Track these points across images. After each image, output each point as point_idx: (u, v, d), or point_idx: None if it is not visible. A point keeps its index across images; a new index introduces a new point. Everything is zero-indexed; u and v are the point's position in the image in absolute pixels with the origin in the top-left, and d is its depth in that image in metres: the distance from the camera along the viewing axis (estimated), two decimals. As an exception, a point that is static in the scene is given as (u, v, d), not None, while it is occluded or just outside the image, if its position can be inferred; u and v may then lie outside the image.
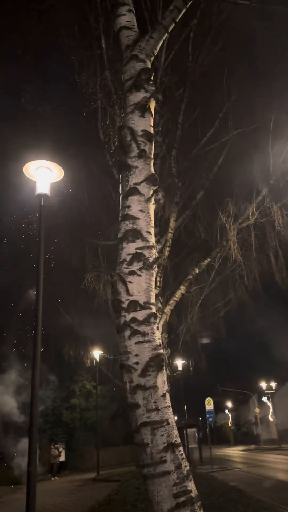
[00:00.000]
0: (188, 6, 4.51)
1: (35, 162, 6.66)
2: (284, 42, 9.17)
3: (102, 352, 23.01)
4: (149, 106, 4.20)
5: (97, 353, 22.88)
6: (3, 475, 20.29)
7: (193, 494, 3.11)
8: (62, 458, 24.35)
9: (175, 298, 11.99)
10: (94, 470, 23.19)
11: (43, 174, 6.70)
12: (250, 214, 11.41)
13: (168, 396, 3.34)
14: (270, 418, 50.10)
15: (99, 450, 23.36)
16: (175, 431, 3.26)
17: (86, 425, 29.19)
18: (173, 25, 4.62)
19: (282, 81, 9.31)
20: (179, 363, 23.74)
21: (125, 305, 3.48)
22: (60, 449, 24.13)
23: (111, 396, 31.53)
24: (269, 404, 51.06)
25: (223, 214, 11.36)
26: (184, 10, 4.52)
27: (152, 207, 3.93)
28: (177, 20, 4.65)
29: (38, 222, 6.57)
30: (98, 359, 22.99)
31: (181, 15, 4.64)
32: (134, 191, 3.87)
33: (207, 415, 24.83)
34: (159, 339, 3.47)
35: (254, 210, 11.37)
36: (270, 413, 50.30)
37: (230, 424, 67.15)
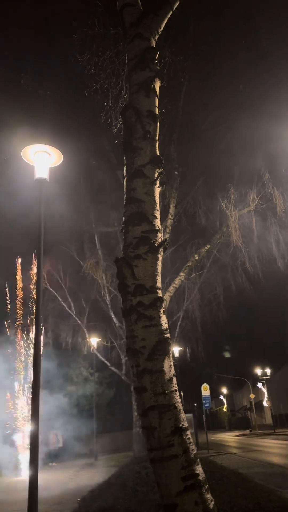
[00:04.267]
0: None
1: (34, 146, 6.51)
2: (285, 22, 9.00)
3: (99, 339, 23.07)
4: (154, 86, 4.09)
5: (94, 340, 22.93)
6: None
7: (201, 478, 3.10)
8: (60, 444, 24.60)
9: (174, 285, 11.97)
10: (92, 455, 23.45)
11: (42, 159, 6.55)
12: (251, 199, 11.33)
13: (175, 380, 3.32)
14: (265, 404, 50.77)
15: (97, 436, 23.60)
16: (182, 415, 3.25)
17: (83, 412, 29.44)
18: (178, 2, 4.49)
19: (285, 62, 9.14)
20: (176, 350, 23.87)
21: (131, 289, 3.43)
22: (58, 436, 24.36)
23: (108, 383, 31.77)
24: (264, 390, 51.68)
25: (224, 199, 11.27)
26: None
27: (157, 190, 3.85)
28: (182, -3, 4.52)
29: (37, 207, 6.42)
30: (95, 346, 23.05)
31: (186, -8, 4.51)
32: (139, 173, 3.78)
33: (204, 401, 25.03)
34: (165, 323, 3.43)
35: (255, 196, 11.29)
36: (265, 399, 50.97)
37: (225, 410, 68.09)
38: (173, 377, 3.30)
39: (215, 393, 62.57)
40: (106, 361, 21.81)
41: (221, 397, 70.07)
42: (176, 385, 3.29)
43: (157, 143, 3.92)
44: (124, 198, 3.80)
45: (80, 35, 8.27)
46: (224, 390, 69.04)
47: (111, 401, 32.64)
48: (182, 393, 35.99)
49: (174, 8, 4.47)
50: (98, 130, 11.45)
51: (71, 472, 17.81)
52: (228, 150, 11.71)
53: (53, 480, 14.64)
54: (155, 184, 3.80)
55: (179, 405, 3.24)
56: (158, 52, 4.18)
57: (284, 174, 11.04)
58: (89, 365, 29.29)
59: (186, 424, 3.23)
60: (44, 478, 14.61)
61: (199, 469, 3.13)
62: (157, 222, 3.68)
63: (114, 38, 8.10)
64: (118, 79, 8.42)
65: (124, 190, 3.82)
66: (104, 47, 8.18)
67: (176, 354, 23.87)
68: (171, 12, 4.43)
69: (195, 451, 3.19)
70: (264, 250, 13.24)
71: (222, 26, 9.74)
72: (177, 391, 3.30)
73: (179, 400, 3.27)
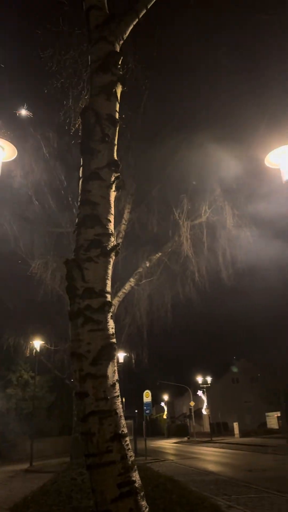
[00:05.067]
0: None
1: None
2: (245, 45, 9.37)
3: (43, 342, 22.49)
4: (115, 90, 4.09)
5: (37, 343, 22.30)
6: None
7: (137, 484, 3.10)
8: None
9: (124, 290, 11.99)
10: (27, 461, 22.73)
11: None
12: (203, 211, 11.65)
13: (117, 386, 3.30)
14: (204, 412, 51.82)
15: (34, 441, 22.93)
16: (123, 422, 3.23)
17: (21, 415, 28.54)
18: (145, 11, 4.54)
19: (242, 81, 9.50)
20: (121, 355, 23.81)
21: (80, 292, 3.38)
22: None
23: (50, 386, 31.07)
24: (204, 398, 52.69)
25: (177, 209, 11.50)
26: (157, -3, 4.47)
27: (112, 194, 3.83)
28: (148, 6, 4.58)
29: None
30: (38, 349, 22.44)
31: (153, 2, 4.58)
32: (95, 175, 3.75)
33: (145, 407, 25.10)
34: (112, 328, 3.41)
35: (207, 208, 11.62)
36: (204, 407, 52.01)
37: (165, 417, 68.65)
38: (116, 383, 3.28)
39: (156, 399, 63.03)
40: (49, 364, 21.31)
41: (162, 403, 70.60)
42: (118, 391, 3.28)
43: (115, 147, 3.92)
44: (79, 199, 3.75)
45: (44, 31, 8.12)
46: (166, 397, 69.67)
47: (52, 406, 31.91)
48: (124, 399, 35.93)
49: (141, 16, 4.51)
50: (55, 127, 11.28)
51: (4, 478, 17.19)
52: (183, 162, 11.97)
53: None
54: (111, 188, 3.79)
55: (120, 411, 3.22)
56: (122, 57, 4.20)
57: (235, 190, 11.50)
58: (30, 368, 28.47)
59: (126, 431, 3.21)
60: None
61: (135, 476, 3.12)
62: (111, 226, 3.67)
63: (78, 39, 8.04)
64: (79, 80, 8.35)
65: (79, 191, 3.78)
66: (68, 46, 8.08)
67: (121, 360, 23.80)
68: (137, 19, 4.47)
69: (133, 458, 3.18)
70: (212, 261, 13.65)
71: (185, 40, 9.97)
72: (119, 397, 3.28)
73: (120, 406, 3.25)
